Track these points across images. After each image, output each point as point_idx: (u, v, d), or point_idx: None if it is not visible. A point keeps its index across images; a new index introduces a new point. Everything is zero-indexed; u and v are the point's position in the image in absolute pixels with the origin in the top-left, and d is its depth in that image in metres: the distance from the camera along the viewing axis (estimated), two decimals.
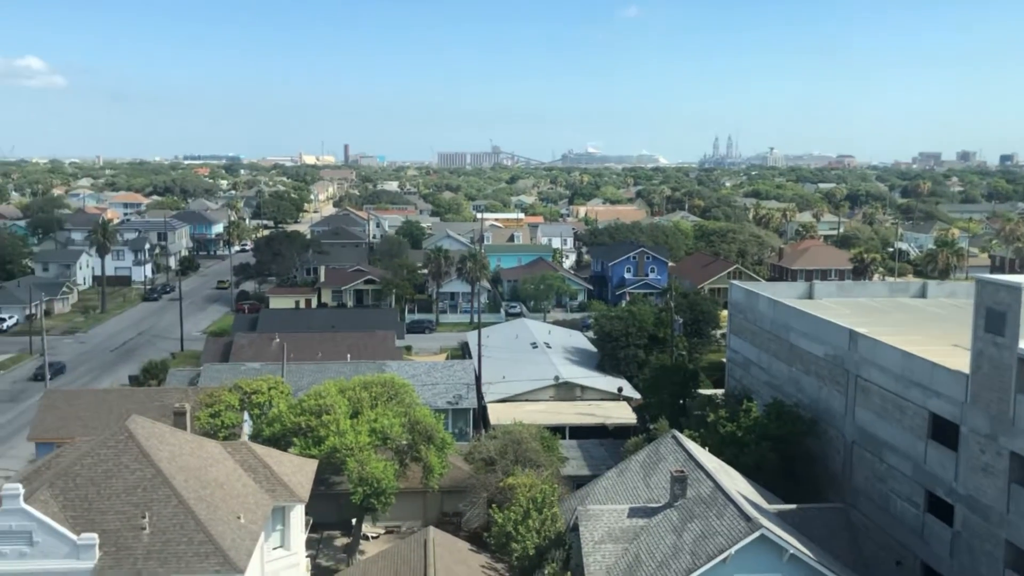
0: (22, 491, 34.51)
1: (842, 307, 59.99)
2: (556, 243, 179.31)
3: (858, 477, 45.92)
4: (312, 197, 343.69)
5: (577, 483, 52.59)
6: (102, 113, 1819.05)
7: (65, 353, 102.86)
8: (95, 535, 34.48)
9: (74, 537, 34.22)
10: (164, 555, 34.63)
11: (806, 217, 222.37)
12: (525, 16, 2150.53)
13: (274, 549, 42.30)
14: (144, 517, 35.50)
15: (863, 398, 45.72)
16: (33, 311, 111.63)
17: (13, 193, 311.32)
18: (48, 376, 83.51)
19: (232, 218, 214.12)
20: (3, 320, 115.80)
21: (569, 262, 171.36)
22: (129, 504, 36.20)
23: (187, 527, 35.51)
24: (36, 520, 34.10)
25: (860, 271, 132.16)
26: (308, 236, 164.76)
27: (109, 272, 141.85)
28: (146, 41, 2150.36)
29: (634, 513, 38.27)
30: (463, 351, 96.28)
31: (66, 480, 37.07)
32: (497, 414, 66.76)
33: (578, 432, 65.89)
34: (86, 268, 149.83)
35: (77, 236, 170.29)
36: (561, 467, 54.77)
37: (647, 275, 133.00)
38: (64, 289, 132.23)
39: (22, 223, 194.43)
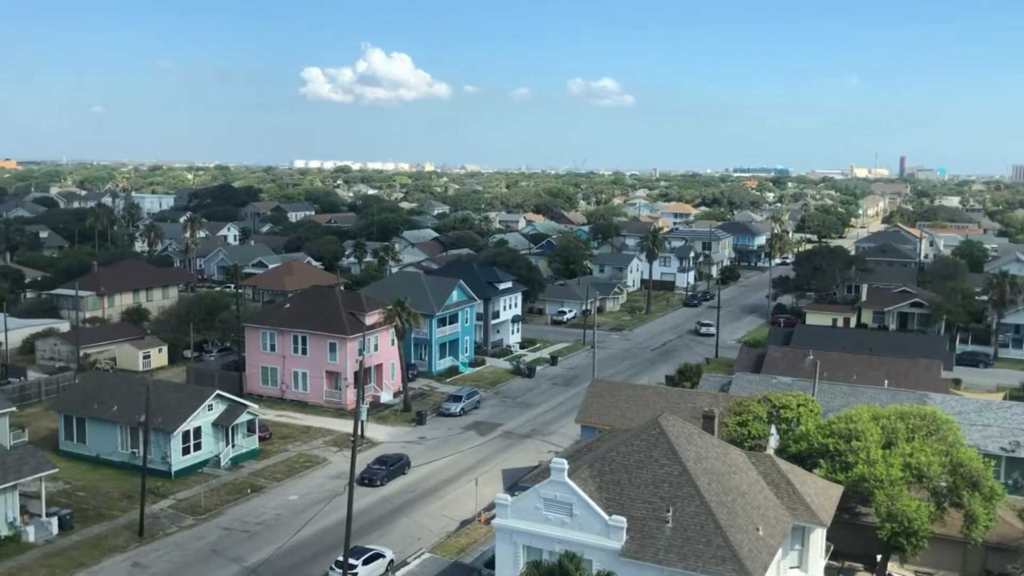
0: (567, 467, 38.40)
1: None
2: None
3: None
4: (860, 212, 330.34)
5: None
6: (662, 129, 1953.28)
7: (611, 348, 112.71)
8: (624, 519, 36.98)
9: (606, 517, 37.09)
10: (683, 551, 35.82)
11: None
12: None
13: (790, 568, 41.33)
14: (668, 511, 37.11)
15: None
16: (588, 307, 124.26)
17: (581, 201, 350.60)
18: (381, 475, 65.03)
19: (775, 231, 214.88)
20: (564, 313, 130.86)
21: None
22: (655, 496, 38.14)
23: (707, 528, 36.27)
24: (576, 495, 37.68)
25: None
26: (852, 252, 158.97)
27: (655, 276, 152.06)
28: (706, 61, 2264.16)
29: None
30: None
31: (603, 464, 40.34)
32: None
33: None
34: (635, 272, 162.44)
35: (631, 242, 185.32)
36: None
37: None
38: (615, 289, 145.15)
39: (586, 228, 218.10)
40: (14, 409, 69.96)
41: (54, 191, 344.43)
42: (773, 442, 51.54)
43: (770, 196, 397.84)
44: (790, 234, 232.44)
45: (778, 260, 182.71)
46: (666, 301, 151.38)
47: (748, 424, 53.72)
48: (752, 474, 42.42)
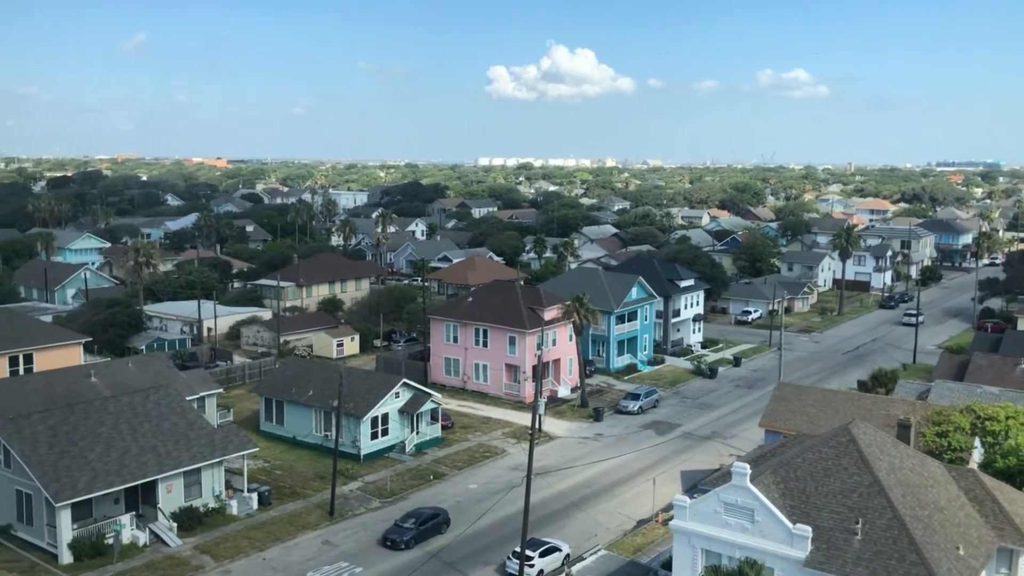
0: (749, 471, 37.22)
1: None
2: None
3: None
4: None
5: None
6: (858, 121, 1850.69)
7: (799, 350, 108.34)
8: (809, 528, 35.47)
9: (790, 525, 35.69)
10: (873, 566, 33.95)
11: None
12: None
13: None
14: (858, 523, 35.29)
15: None
16: (775, 307, 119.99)
17: (769, 197, 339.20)
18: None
19: (983, 229, 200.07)
20: (748, 313, 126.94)
21: None
22: (844, 506, 36.34)
23: (900, 543, 34.24)
24: (758, 500, 36.46)
25: None
26: None
27: (848, 276, 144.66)
28: (906, 47, 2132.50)
29: None
30: None
31: (788, 470, 38.82)
32: None
33: None
34: (827, 271, 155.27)
35: (822, 239, 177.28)
36: None
37: None
38: (805, 289, 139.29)
39: (773, 225, 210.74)
40: (221, 391, 75.73)
41: (259, 188, 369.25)
42: (977, 456, 47.98)
43: (978, 192, 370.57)
44: (1000, 233, 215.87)
45: (986, 261, 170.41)
46: (860, 302, 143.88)
47: (948, 435, 50.20)
48: (952, 489, 39.62)
